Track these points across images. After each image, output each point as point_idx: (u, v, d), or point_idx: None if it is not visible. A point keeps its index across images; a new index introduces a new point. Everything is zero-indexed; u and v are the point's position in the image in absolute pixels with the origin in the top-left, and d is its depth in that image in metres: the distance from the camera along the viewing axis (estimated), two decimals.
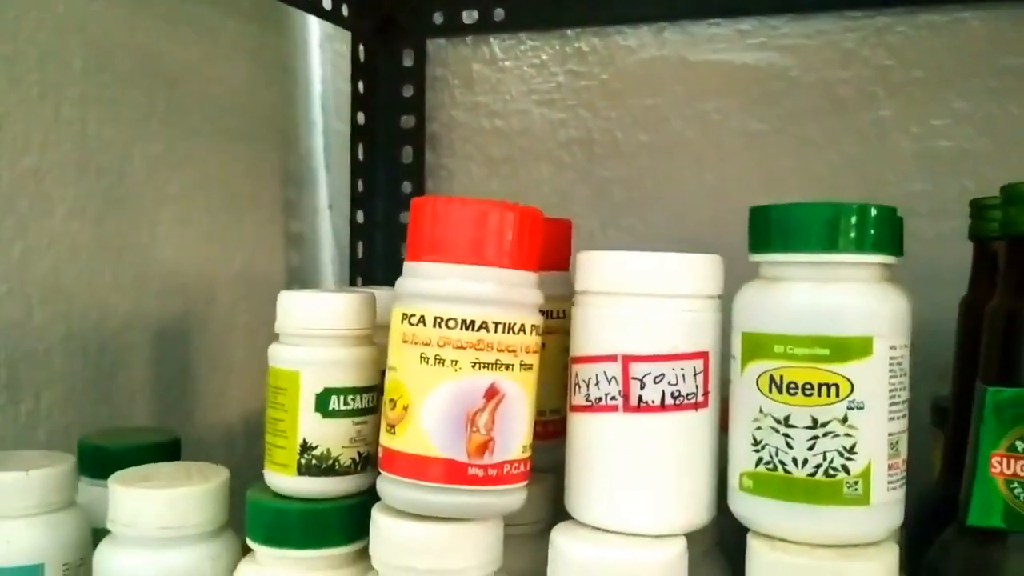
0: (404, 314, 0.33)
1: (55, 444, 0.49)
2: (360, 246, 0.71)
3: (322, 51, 0.76)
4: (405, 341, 0.33)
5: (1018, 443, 0.33)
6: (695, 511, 0.34)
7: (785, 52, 0.64)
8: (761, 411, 0.32)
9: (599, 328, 0.33)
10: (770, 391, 0.31)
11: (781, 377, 0.31)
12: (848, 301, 0.31)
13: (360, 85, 0.71)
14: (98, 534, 0.40)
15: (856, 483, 0.30)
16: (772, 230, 0.32)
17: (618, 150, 0.68)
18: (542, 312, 0.37)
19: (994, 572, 0.33)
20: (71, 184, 0.52)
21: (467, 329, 0.32)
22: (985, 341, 0.34)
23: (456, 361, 0.32)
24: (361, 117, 0.71)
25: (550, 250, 0.39)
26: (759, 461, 0.32)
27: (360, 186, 0.71)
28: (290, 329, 0.36)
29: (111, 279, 0.55)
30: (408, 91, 0.71)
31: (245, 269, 0.66)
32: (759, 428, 0.32)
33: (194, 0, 0.61)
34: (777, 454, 0.31)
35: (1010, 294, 0.34)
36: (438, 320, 0.32)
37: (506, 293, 0.33)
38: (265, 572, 0.36)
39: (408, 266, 0.34)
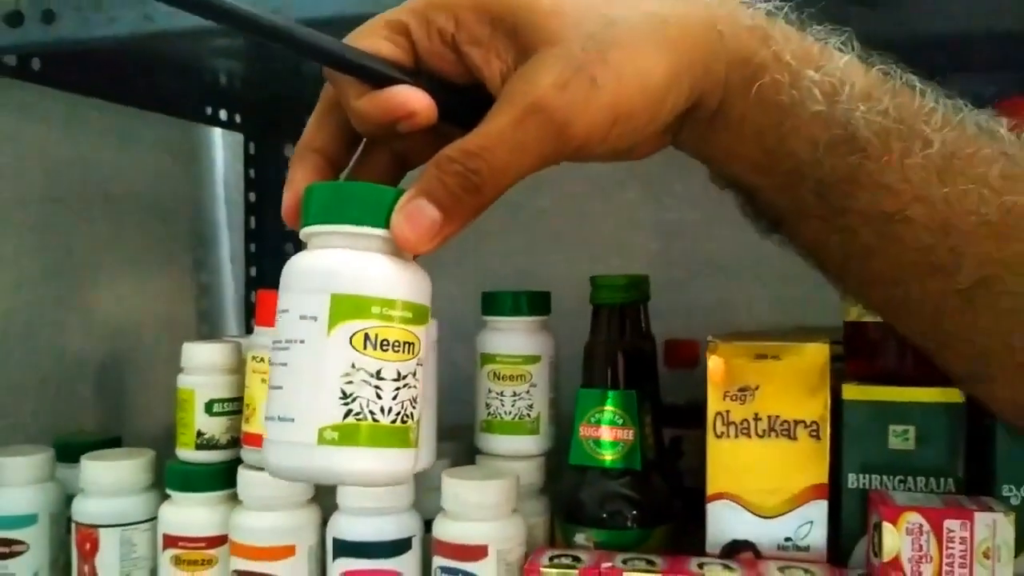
0: (252, 356, 0.63)
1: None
2: (253, 295, 1.01)
3: (224, 142, 1.05)
4: (253, 372, 0.63)
5: (590, 418, 0.64)
6: None
7: None
8: (354, 366, 0.37)
9: None
10: (364, 348, 0.37)
11: (376, 335, 0.37)
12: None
13: (251, 172, 1.01)
14: (70, 499, 0.69)
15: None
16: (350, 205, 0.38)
17: None
18: None
19: (582, 490, 0.64)
20: (37, 267, 0.81)
21: None
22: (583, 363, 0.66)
23: None
24: (252, 196, 1.01)
25: None
26: (348, 413, 0.36)
27: (252, 248, 1.01)
28: (188, 364, 0.66)
29: (64, 328, 0.84)
30: None
31: (165, 314, 0.96)
32: (350, 382, 0.37)
33: (121, 115, 0.90)
34: (368, 405, 0.37)
35: (590, 339, 0.65)
36: (268, 359, 0.62)
37: None
38: (178, 508, 0.66)
39: (256, 328, 0.64)
